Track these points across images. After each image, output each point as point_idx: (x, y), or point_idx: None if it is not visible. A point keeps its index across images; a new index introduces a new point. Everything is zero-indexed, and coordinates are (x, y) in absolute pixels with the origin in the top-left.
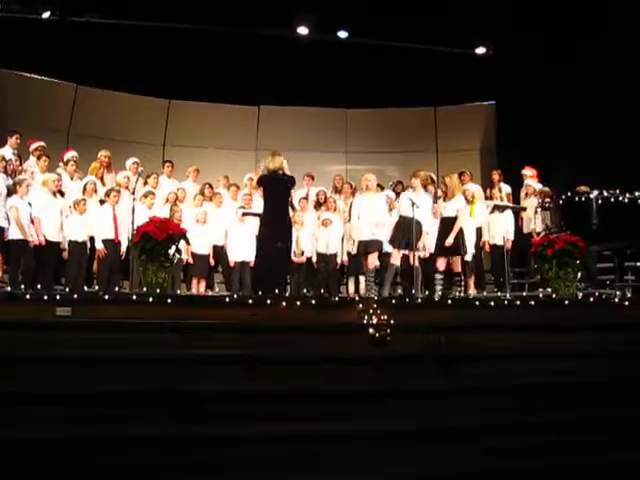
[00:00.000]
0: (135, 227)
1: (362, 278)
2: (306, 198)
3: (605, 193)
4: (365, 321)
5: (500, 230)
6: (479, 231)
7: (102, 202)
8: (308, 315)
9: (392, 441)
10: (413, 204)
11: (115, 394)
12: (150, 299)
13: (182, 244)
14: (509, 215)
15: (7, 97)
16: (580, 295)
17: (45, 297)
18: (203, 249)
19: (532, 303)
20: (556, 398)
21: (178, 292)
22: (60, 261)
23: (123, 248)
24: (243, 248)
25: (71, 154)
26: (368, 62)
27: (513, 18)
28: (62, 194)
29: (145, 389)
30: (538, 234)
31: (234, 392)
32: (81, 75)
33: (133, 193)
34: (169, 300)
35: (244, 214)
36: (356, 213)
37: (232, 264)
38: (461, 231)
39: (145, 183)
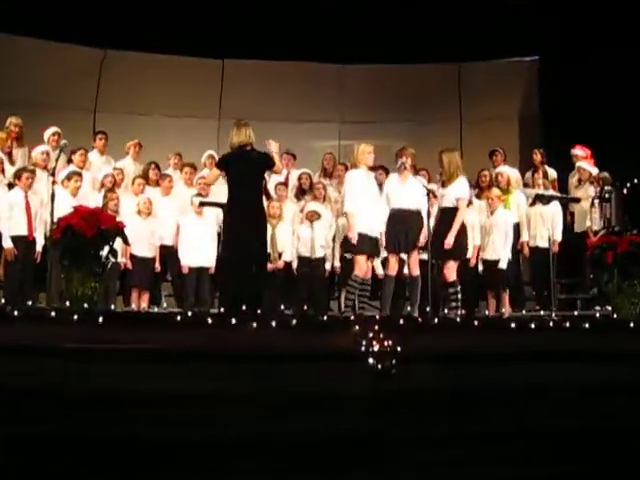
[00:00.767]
0: (55, 219)
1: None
2: (285, 184)
3: None
4: (363, 348)
5: (544, 228)
6: (516, 229)
7: (10, 186)
8: (287, 340)
9: None
10: (429, 192)
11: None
12: (75, 317)
13: (118, 243)
14: (556, 208)
15: None
16: None
17: None
18: (146, 250)
19: (586, 326)
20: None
21: (112, 308)
22: None
23: (39, 248)
24: (200, 249)
25: None
26: (369, 1)
27: None
28: None
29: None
30: (595, 233)
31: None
32: None
33: (53, 174)
34: (100, 319)
35: (201, 204)
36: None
37: (185, 270)
38: (463, 227)
39: (69, 161)
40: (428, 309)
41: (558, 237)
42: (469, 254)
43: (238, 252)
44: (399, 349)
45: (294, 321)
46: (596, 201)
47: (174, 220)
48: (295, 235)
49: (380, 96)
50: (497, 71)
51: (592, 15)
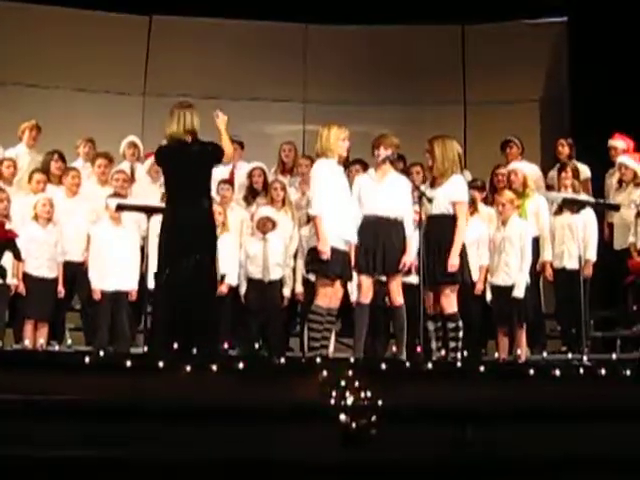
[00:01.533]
0: None
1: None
2: (229, 182)
3: None
4: (333, 401)
5: (573, 244)
6: (536, 245)
7: None
8: (231, 389)
9: None
10: (421, 196)
11: None
12: None
13: (8, 259)
14: (589, 218)
15: None
16: None
17: None
18: (46, 269)
19: (627, 373)
20: None
21: None
22: None
23: None
24: (117, 268)
25: None
26: None
27: None
28: None
29: None
30: None
31: None
32: None
33: None
34: None
35: (119, 207)
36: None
37: (97, 296)
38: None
39: None
40: (419, 349)
41: (592, 256)
42: (473, 277)
43: (179, 270)
44: (380, 403)
45: (241, 364)
46: None
47: (83, 229)
48: (243, 250)
49: (357, 68)
50: (512, 37)
51: None
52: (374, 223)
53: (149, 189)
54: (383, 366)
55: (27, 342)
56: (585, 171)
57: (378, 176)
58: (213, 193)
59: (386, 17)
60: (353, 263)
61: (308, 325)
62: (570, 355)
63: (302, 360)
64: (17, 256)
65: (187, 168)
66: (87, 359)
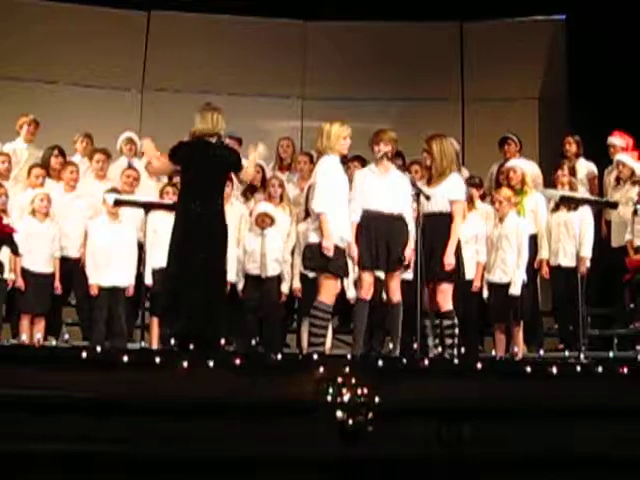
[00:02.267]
0: None
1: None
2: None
3: None
4: (330, 398)
5: (570, 242)
6: (533, 243)
7: None
8: (228, 385)
9: None
10: (419, 193)
11: None
12: None
13: (5, 254)
14: (586, 216)
15: None
16: None
17: None
18: (43, 264)
19: (624, 371)
20: None
21: None
22: None
23: None
24: (114, 264)
25: None
26: None
27: None
28: None
29: None
30: (637, 250)
31: None
32: None
33: None
34: None
35: (117, 203)
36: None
37: (94, 291)
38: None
39: None
40: (416, 346)
41: (588, 254)
42: (471, 274)
43: (188, 267)
44: (377, 400)
45: (238, 360)
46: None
47: (81, 224)
48: (241, 246)
49: (356, 64)
50: (511, 34)
51: None
52: (377, 219)
53: (146, 184)
54: (380, 363)
55: (24, 337)
56: (588, 169)
57: (380, 171)
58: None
59: (385, 14)
60: (356, 259)
61: (311, 321)
62: (567, 353)
63: (299, 356)
64: (15, 251)
65: (208, 167)
66: (84, 354)
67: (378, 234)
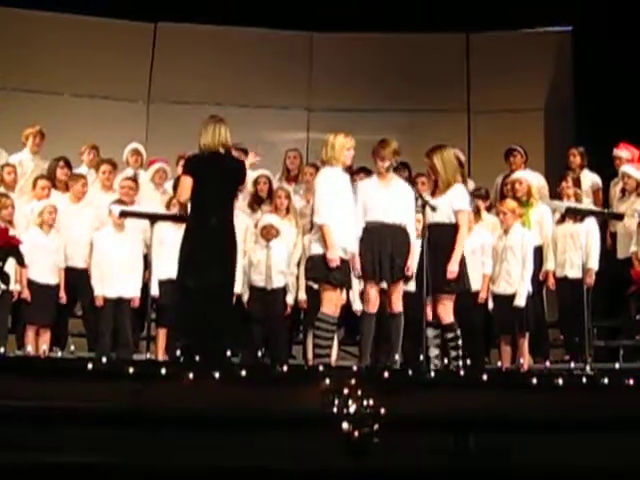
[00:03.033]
0: None
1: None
2: None
3: None
4: (335, 410)
5: (575, 253)
6: (539, 254)
7: None
8: (233, 397)
9: None
10: (424, 204)
11: None
12: None
13: (11, 265)
14: (592, 227)
15: None
16: None
17: None
18: (49, 275)
19: (630, 382)
20: None
21: (1, 350)
22: None
23: None
24: (120, 275)
25: None
26: None
27: None
28: None
29: None
30: None
31: None
32: None
33: None
34: None
35: (123, 214)
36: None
37: (100, 302)
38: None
39: None
40: (422, 358)
41: (595, 265)
42: (476, 285)
43: (200, 281)
44: (383, 411)
45: (244, 372)
46: None
47: (87, 235)
48: (247, 258)
49: (362, 75)
50: (517, 45)
51: None
52: (380, 230)
53: (152, 196)
54: (386, 374)
55: (29, 348)
56: (592, 181)
57: (383, 182)
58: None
59: (391, 25)
60: (359, 271)
61: (315, 333)
62: (573, 364)
63: (305, 368)
64: (21, 262)
65: (218, 179)
66: (90, 365)
67: (382, 245)
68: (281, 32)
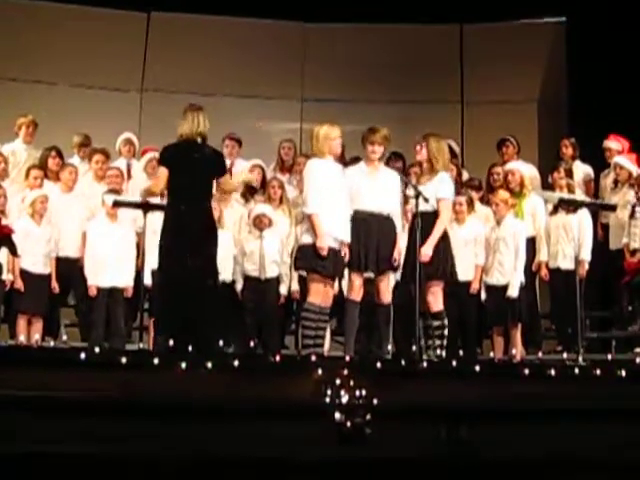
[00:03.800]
0: None
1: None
2: None
3: None
4: (328, 399)
5: (568, 244)
6: (531, 245)
7: None
8: (226, 387)
9: None
10: (417, 194)
11: None
12: None
13: (3, 255)
14: (584, 219)
15: None
16: None
17: None
18: (41, 265)
19: (622, 374)
20: None
21: None
22: None
23: None
24: (113, 265)
25: None
26: None
27: None
28: None
29: None
30: (634, 252)
31: None
32: None
33: None
34: None
35: (116, 204)
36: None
37: (93, 292)
38: (446, 237)
39: None
40: (414, 348)
41: (587, 257)
42: (469, 276)
43: (178, 269)
44: (375, 401)
45: (236, 362)
46: (638, 209)
47: (79, 225)
48: (239, 248)
49: (356, 66)
50: (510, 36)
51: None
52: (366, 220)
53: (145, 185)
54: (378, 365)
55: (21, 337)
56: (584, 172)
57: (370, 171)
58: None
59: (385, 16)
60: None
61: (302, 323)
62: (565, 355)
63: (297, 358)
64: (13, 252)
65: (195, 168)
66: (82, 355)
67: (368, 235)
68: (275, 22)
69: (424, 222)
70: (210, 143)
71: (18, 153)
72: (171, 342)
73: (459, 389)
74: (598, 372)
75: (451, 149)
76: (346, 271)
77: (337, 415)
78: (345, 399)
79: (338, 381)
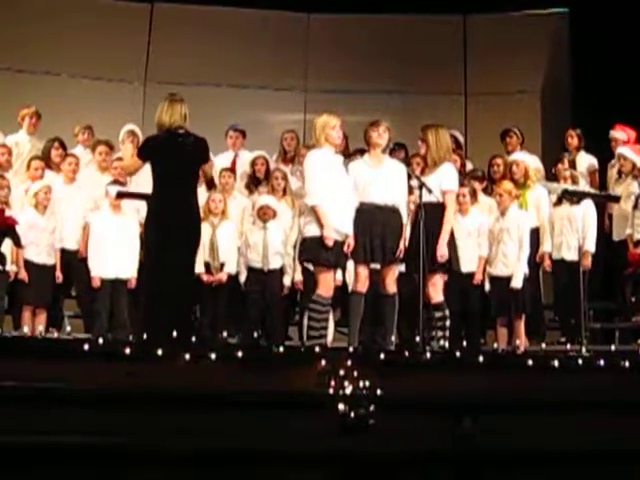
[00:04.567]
0: None
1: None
2: (232, 170)
3: None
4: (331, 390)
5: (572, 235)
6: (535, 236)
7: None
8: (230, 378)
9: None
10: (421, 186)
11: None
12: None
13: (7, 246)
14: (589, 210)
15: None
16: None
17: None
18: (45, 256)
19: (626, 365)
20: None
21: None
22: None
23: None
24: (116, 256)
25: None
26: None
27: None
28: None
29: None
30: (637, 243)
31: None
32: None
33: None
34: None
35: (119, 195)
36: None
37: (96, 283)
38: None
39: None
40: (418, 339)
41: (590, 247)
42: (473, 267)
43: (163, 260)
44: (379, 392)
45: (240, 353)
46: None
47: (82, 216)
48: (243, 239)
49: (359, 57)
50: (514, 27)
51: None
52: (372, 211)
53: (149, 177)
54: (382, 356)
55: (25, 328)
56: (589, 162)
57: (374, 163)
58: (215, 180)
59: (388, 7)
60: (351, 252)
61: (309, 314)
62: (569, 346)
63: (301, 349)
64: (17, 243)
65: (179, 159)
66: (86, 346)
67: (373, 227)
68: (278, 13)
69: (428, 213)
70: (214, 134)
71: (21, 144)
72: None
73: (462, 380)
74: (602, 363)
75: (456, 139)
76: (351, 262)
77: (341, 406)
78: (349, 390)
79: (342, 372)
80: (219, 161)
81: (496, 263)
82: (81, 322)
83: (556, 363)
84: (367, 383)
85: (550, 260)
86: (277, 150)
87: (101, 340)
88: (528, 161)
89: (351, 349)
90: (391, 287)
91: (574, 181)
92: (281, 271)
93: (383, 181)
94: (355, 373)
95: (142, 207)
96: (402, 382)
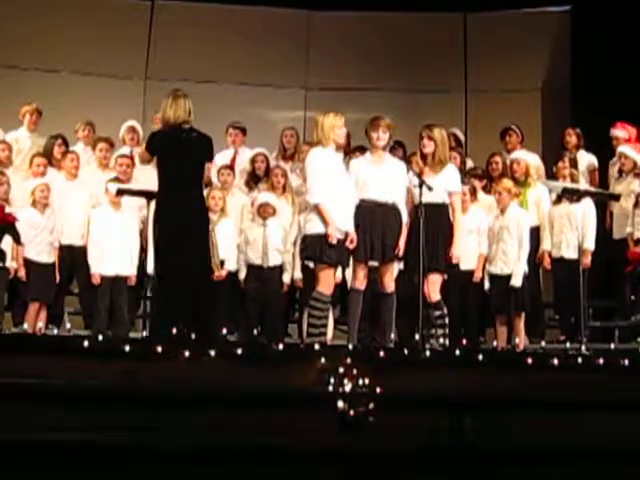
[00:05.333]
0: None
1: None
2: (231, 167)
3: None
4: (331, 388)
5: (572, 234)
6: (535, 235)
7: None
8: (229, 375)
9: None
10: (422, 184)
11: None
12: None
13: (7, 243)
14: (589, 208)
15: None
16: None
17: None
18: (45, 253)
19: (625, 363)
20: None
21: None
22: None
23: None
24: (116, 253)
25: None
26: None
27: None
28: None
29: None
30: (637, 242)
31: None
32: None
33: None
34: None
35: (120, 192)
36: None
37: (96, 280)
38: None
39: None
40: (417, 337)
41: (590, 246)
42: (472, 265)
43: (174, 258)
44: (378, 390)
45: (239, 350)
46: None
47: (83, 213)
48: (243, 236)
49: (360, 55)
50: (515, 25)
51: None
52: (372, 209)
53: (149, 174)
54: (382, 353)
55: (26, 326)
56: (589, 161)
57: (375, 160)
58: (214, 178)
59: (388, 4)
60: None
61: (309, 312)
62: (568, 344)
63: (300, 346)
64: (17, 240)
65: (184, 153)
66: (86, 343)
67: (373, 224)
68: (279, 10)
69: (428, 214)
70: (214, 131)
71: (22, 141)
72: (174, 331)
73: (462, 378)
74: (601, 361)
75: (456, 137)
76: (350, 260)
77: (340, 403)
78: (348, 388)
79: (341, 370)
80: (219, 158)
81: (496, 261)
82: (81, 319)
83: (555, 361)
84: (366, 381)
85: (550, 258)
86: (277, 147)
87: (101, 337)
88: (528, 159)
89: (350, 347)
90: (389, 285)
91: (574, 179)
92: (280, 268)
93: (384, 178)
94: (354, 371)
95: (143, 204)
96: (401, 380)
